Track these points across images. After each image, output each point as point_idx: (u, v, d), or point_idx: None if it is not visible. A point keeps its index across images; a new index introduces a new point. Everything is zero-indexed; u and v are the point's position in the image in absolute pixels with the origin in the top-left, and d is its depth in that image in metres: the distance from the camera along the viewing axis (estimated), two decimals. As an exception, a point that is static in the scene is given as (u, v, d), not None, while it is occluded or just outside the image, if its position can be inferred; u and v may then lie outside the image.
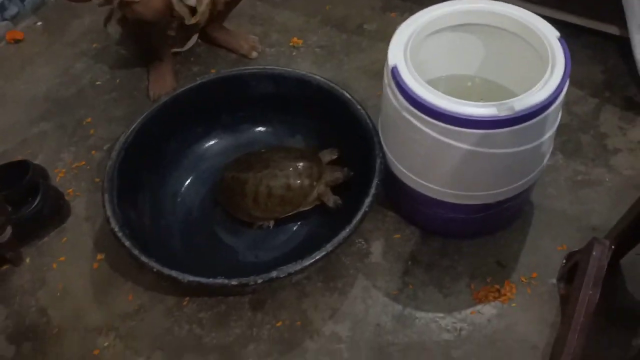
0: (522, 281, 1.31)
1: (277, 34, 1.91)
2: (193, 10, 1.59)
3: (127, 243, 1.18)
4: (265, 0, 2.02)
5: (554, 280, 1.30)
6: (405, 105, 1.12)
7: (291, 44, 1.88)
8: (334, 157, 1.45)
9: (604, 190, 1.46)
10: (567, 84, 1.11)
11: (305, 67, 1.77)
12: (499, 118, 1.06)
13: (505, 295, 1.29)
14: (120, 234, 1.19)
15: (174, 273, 1.14)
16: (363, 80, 1.73)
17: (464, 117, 1.06)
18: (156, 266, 1.15)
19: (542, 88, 1.08)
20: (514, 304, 1.28)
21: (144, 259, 1.16)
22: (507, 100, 1.07)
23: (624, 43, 1.63)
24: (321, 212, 1.41)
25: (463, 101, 1.07)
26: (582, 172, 1.49)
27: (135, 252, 1.17)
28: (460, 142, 1.10)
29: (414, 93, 1.09)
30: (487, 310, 1.28)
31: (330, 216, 1.39)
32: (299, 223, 1.43)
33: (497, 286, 1.30)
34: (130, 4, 1.42)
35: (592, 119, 1.60)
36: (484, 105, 1.07)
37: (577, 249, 1.25)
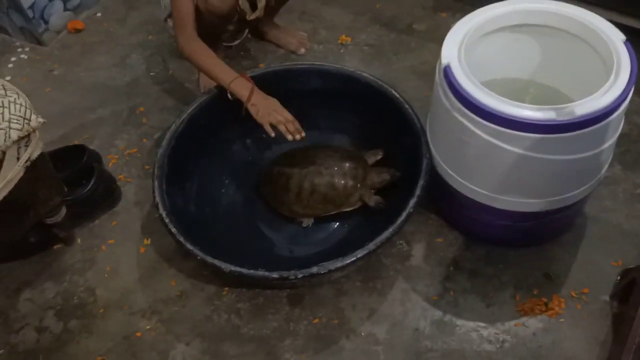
0: (572, 296, 1.26)
1: (326, 31, 1.91)
2: (254, 6, 1.61)
3: (173, 229, 1.20)
4: (316, -3, 2.03)
5: (607, 298, 1.25)
6: (456, 105, 1.10)
7: (339, 41, 1.87)
8: (379, 157, 1.43)
9: (665, 206, 1.38)
10: (633, 90, 1.06)
11: (353, 65, 1.76)
12: (557, 122, 1.02)
13: (553, 309, 1.24)
14: (167, 220, 1.22)
15: (217, 262, 1.15)
16: (411, 80, 1.71)
17: (520, 120, 1.03)
18: (200, 254, 1.16)
19: (606, 93, 1.04)
20: (562, 319, 1.23)
21: (189, 246, 1.18)
22: (568, 104, 1.03)
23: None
24: (362, 214, 1.40)
25: (519, 103, 1.04)
26: (642, 185, 1.43)
27: (181, 238, 1.19)
28: (513, 146, 1.06)
29: (467, 93, 1.07)
30: (533, 323, 1.23)
31: (370, 218, 1.37)
32: (338, 223, 1.43)
33: (545, 299, 1.26)
34: None
35: (655, 130, 1.53)
36: (542, 109, 1.03)
37: (633, 266, 1.19)
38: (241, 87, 1.37)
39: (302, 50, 1.85)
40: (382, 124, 1.44)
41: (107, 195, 1.50)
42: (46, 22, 1.97)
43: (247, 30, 1.87)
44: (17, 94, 1.13)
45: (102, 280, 1.39)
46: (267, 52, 1.87)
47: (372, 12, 1.96)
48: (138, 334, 1.29)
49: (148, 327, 1.30)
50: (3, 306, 1.36)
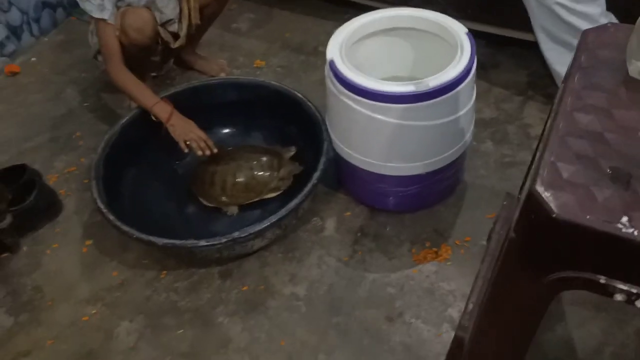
0: (457, 244, 1.51)
1: (243, 58, 2.17)
2: (175, 36, 1.85)
3: (111, 217, 1.38)
4: (232, 31, 2.30)
5: (485, 242, 1.51)
6: (341, 90, 1.36)
7: (255, 65, 2.14)
8: (292, 153, 1.67)
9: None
10: (475, 65, 1.36)
11: (268, 83, 2.01)
12: (417, 93, 1.29)
13: (441, 256, 1.49)
14: (105, 210, 1.39)
15: (152, 238, 1.34)
16: (319, 90, 1.95)
17: (388, 94, 1.30)
18: (136, 233, 1.34)
19: (453, 69, 1.33)
20: (449, 263, 1.48)
21: (125, 228, 1.35)
22: (424, 79, 1.31)
23: (542, 49, 1.90)
24: (280, 201, 1.60)
25: (386, 81, 1.31)
26: (509, 155, 1.73)
27: (118, 223, 1.36)
28: (387, 116, 1.33)
29: (347, 78, 1.33)
30: (426, 268, 1.47)
31: (287, 203, 1.59)
32: (260, 210, 1.63)
33: (435, 249, 1.50)
34: (126, 31, 1.66)
35: (517, 113, 1.85)
36: (404, 84, 1.31)
37: (499, 212, 1.46)
38: (161, 110, 1.58)
39: (223, 75, 2.09)
40: (291, 123, 1.69)
41: (49, 206, 1.65)
42: (-17, 67, 2.13)
43: (171, 61, 2.10)
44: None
45: (49, 278, 1.52)
46: (191, 79, 2.10)
47: (282, 40, 2.25)
48: (85, 318, 1.43)
49: (93, 311, 1.44)
50: (-47, 310, 1.47)
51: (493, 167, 1.70)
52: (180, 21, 1.82)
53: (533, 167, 0.80)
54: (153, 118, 1.60)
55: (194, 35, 1.98)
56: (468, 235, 1.53)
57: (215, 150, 1.59)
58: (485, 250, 1.24)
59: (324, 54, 2.20)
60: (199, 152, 1.58)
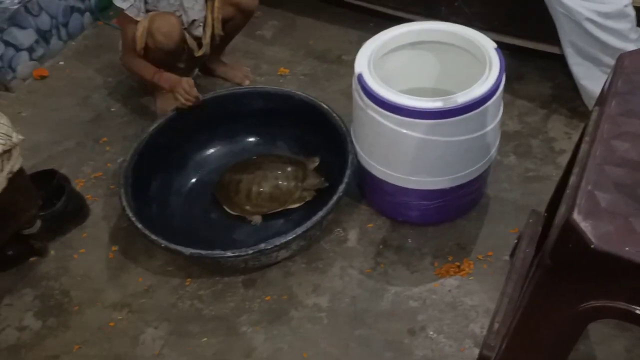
0: (479, 259, 1.51)
1: (267, 65, 2.19)
2: (199, 43, 1.87)
3: (139, 225, 1.40)
4: (257, 38, 2.32)
5: (508, 257, 1.51)
6: (369, 104, 1.37)
7: (279, 73, 2.15)
8: (316, 164, 1.69)
9: (552, 184, 1.64)
10: (503, 81, 1.36)
11: (292, 91, 2.03)
12: (445, 109, 1.30)
13: (464, 270, 1.49)
14: (134, 219, 1.42)
15: (179, 248, 1.36)
16: (342, 100, 1.99)
17: (416, 109, 1.30)
18: (164, 242, 1.36)
19: (481, 85, 1.33)
20: (471, 277, 1.48)
21: (153, 237, 1.38)
22: (452, 95, 1.31)
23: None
24: (304, 211, 1.61)
25: (414, 97, 1.32)
26: (533, 169, 1.72)
27: (146, 231, 1.39)
28: (414, 131, 1.34)
29: (375, 92, 1.34)
30: (449, 282, 1.47)
31: (311, 213, 1.59)
32: (283, 220, 1.64)
33: (458, 263, 1.51)
34: (153, 34, 1.70)
35: (541, 127, 1.84)
36: (432, 100, 1.31)
37: (524, 228, 1.46)
38: (161, 78, 1.72)
39: (247, 82, 2.11)
40: (315, 133, 1.71)
41: (77, 211, 1.68)
42: (14, 71, 2.17)
43: (197, 69, 2.13)
44: (0, 115, 1.33)
45: (76, 283, 1.55)
46: (216, 86, 2.12)
47: (306, 48, 2.27)
48: (111, 324, 1.45)
49: (120, 317, 1.46)
50: (-16, 312, 1.50)
51: (516, 181, 1.69)
52: (204, 27, 1.84)
53: (568, 193, 0.80)
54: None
55: (219, 45, 2.01)
56: (490, 250, 1.53)
57: (201, 98, 1.67)
58: (511, 267, 1.24)
59: (347, 62, 2.24)
60: (181, 100, 1.65)
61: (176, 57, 1.86)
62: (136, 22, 1.71)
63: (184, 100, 1.65)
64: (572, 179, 0.83)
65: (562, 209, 0.80)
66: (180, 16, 1.79)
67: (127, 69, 1.86)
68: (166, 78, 1.71)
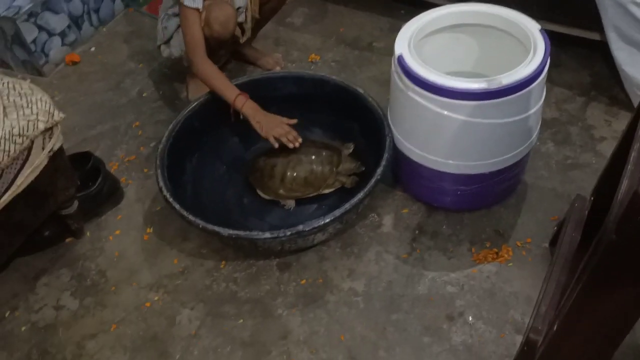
0: (518, 245, 1.49)
1: (298, 52, 2.18)
2: (242, 29, 1.87)
3: (177, 206, 1.40)
4: (287, 25, 2.31)
5: (547, 245, 1.48)
6: (409, 85, 1.35)
7: (310, 59, 2.14)
8: (351, 150, 1.67)
9: (592, 171, 1.64)
10: (548, 63, 1.33)
11: (323, 77, 2.01)
12: (489, 90, 1.27)
13: (503, 256, 1.47)
14: (171, 200, 1.42)
15: (216, 228, 1.35)
16: (374, 87, 1.97)
17: (459, 90, 1.28)
18: (202, 223, 1.36)
19: (527, 66, 1.30)
20: (510, 264, 1.45)
21: (191, 217, 1.37)
22: (497, 76, 1.29)
23: (608, 50, 1.85)
24: (338, 196, 1.60)
25: (457, 78, 1.29)
26: (571, 157, 1.69)
27: (184, 212, 1.38)
28: (457, 113, 1.31)
29: (416, 73, 1.32)
30: (487, 269, 1.45)
31: (346, 198, 1.58)
32: (316, 205, 1.63)
33: (496, 249, 1.48)
34: (211, 24, 1.69)
35: (580, 114, 1.81)
36: (476, 81, 1.29)
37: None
38: (247, 107, 1.59)
39: (278, 68, 2.11)
40: (350, 118, 1.69)
41: (112, 193, 1.69)
42: (46, 56, 2.19)
43: (229, 54, 2.12)
44: (42, 93, 1.34)
45: (112, 263, 1.56)
46: (247, 71, 2.12)
47: (337, 35, 2.25)
48: (147, 304, 1.46)
49: (156, 297, 1.47)
50: (23, 291, 1.52)
51: (555, 169, 1.66)
52: (245, 12, 1.84)
53: (631, 168, 0.78)
54: (232, 111, 1.61)
55: (252, 29, 2.00)
56: (529, 237, 1.50)
57: (301, 140, 1.59)
58: (557, 252, 1.22)
59: (378, 49, 2.22)
60: (290, 145, 1.58)
61: (226, 45, 1.85)
62: (199, 14, 1.66)
63: (292, 145, 1.58)
64: (633, 154, 0.80)
65: (624, 185, 0.78)
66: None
67: (196, 73, 1.67)
68: (260, 118, 1.59)
